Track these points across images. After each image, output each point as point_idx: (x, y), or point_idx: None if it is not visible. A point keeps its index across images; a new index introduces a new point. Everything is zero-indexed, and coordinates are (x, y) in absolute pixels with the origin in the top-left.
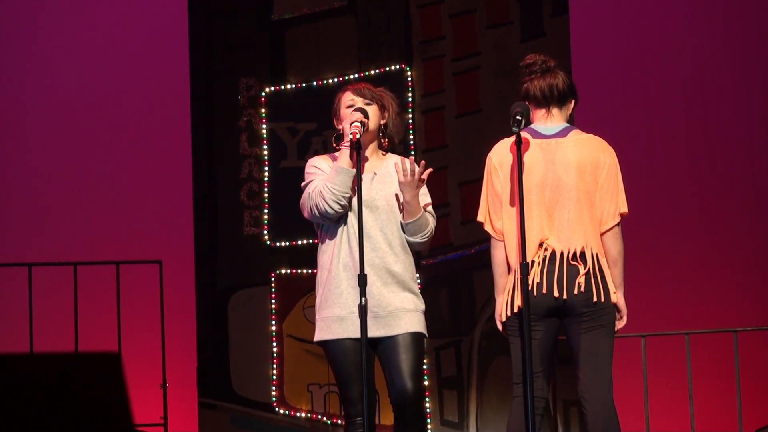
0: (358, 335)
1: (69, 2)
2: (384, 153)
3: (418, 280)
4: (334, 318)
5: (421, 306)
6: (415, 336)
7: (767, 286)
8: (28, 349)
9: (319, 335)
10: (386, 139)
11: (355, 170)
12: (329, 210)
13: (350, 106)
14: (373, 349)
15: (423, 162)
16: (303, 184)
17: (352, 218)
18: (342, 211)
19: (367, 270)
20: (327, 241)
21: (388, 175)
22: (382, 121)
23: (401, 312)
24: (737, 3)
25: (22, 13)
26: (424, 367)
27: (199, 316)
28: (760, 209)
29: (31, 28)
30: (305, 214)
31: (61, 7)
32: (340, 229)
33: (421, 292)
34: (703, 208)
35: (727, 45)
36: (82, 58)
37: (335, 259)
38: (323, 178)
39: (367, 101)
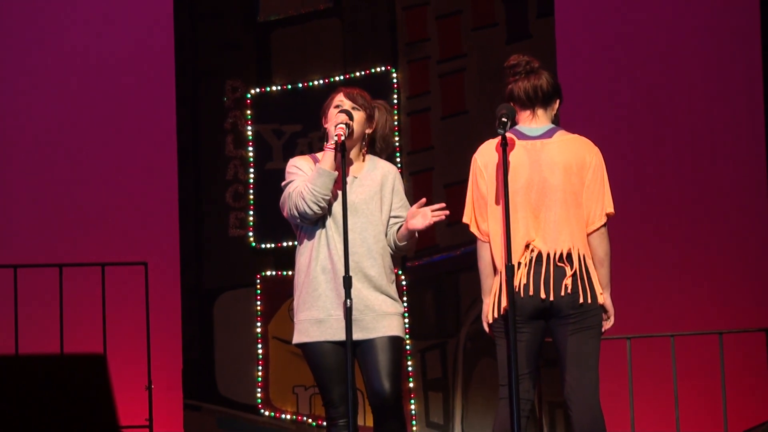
0: (336, 338)
1: (53, 2)
2: (364, 158)
3: (403, 282)
4: (312, 321)
5: (400, 309)
6: (394, 339)
7: (752, 289)
8: (13, 350)
9: (297, 338)
10: (366, 149)
11: (336, 173)
12: (308, 211)
13: (338, 107)
14: (352, 353)
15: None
16: (283, 183)
17: (330, 221)
18: (321, 212)
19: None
20: (305, 242)
21: (368, 179)
22: (368, 131)
23: (380, 316)
24: (722, 4)
25: (4, 12)
26: (410, 369)
27: (185, 318)
28: (745, 212)
29: (13, 28)
30: (284, 214)
31: (45, 7)
32: (318, 232)
33: (406, 294)
34: (689, 210)
35: (713, 46)
36: (66, 59)
37: (313, 261)
38: (304, 179)
39: (356, 106)
